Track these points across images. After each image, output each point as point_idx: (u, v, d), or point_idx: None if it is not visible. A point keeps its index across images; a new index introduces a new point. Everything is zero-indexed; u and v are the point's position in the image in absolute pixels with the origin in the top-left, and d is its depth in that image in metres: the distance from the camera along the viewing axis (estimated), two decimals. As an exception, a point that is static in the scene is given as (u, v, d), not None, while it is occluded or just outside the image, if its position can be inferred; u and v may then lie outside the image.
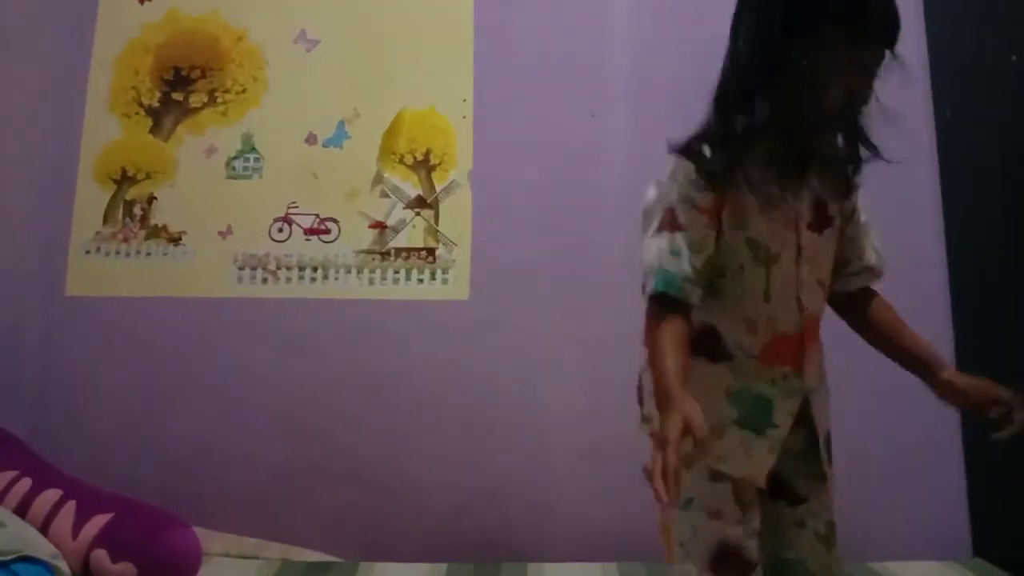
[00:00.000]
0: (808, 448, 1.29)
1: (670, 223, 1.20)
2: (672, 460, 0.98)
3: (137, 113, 2.63)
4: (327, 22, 2.66)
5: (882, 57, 1.17)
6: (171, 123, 2.62)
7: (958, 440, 2.33)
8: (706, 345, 1.24)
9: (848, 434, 2.25)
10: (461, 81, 2.59)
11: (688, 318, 1.19)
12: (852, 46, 1.13)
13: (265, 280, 2.53)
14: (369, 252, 2.53)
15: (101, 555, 1.91)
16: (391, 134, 2.59)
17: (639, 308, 1.20)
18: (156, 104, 2.63)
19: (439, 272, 2.51)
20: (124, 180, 2.59)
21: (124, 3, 2.68)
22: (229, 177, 2.58)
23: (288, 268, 2.53)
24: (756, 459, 1.23)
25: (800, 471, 1.30)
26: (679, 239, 1.19)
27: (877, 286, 1.38)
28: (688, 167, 1.21)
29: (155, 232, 2.56)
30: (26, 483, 2.05)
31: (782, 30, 1.15)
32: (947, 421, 2.30)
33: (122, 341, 2.51)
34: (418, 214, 2.54)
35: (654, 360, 1.14)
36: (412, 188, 2.56)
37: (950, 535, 2.27)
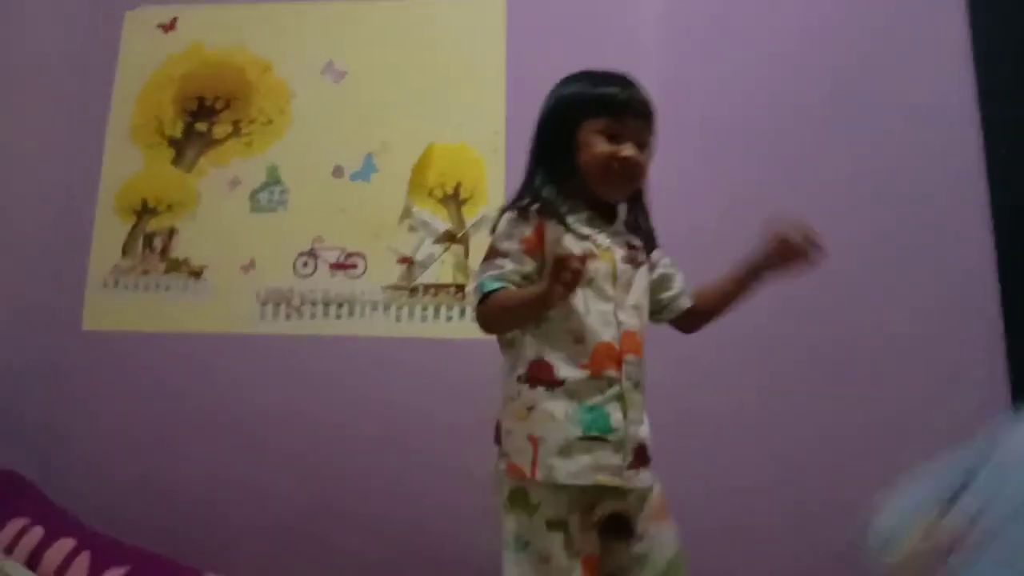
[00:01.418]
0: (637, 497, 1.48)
1: (492, 254, 1.51)
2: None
3: (159, 144, 2.56)
4: (355, 53, 2.60)
5: (650, 134, 1.58)
6: (194, 154, 2.55)
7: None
8: (542, 378, 1.46)
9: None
10: (492, 114, 2.52)
11: None
12: (618, 126, 1.53)
13: (289, 316, 2.44)
14: (397, 288, 2.45)
15: (116, 609, 1.82)
16: (420, 168, 2.51)
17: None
18: (179, 135, 2.57)
19: (468, 309, 2.41)
20: (145, 212, 2.52)
21: (148, 33, 2.63)
22: (253, 210, 2.51)
23: (313, 304, 2.45)
24: (605, 464, 1.43)
25: (639, 511, 1.48)
26: (499, 261, 1.49)
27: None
28: (509, 214, 1.53)
29: (175, 265, 2.48)
30: (38, 532, 1.95)
31: (553, 126, 1.60)
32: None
33: (138, 377, 2.42)
34: (447, 249, 2.46)
35: (508, 304, 1.45)
36: (441, 222, 2.48)
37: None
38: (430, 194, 2.50)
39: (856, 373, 2.26)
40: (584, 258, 1.35)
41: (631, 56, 2.53)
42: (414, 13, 2.62)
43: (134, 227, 2.51)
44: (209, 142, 2.56)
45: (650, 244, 1.64)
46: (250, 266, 2.47)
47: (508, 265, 1.47)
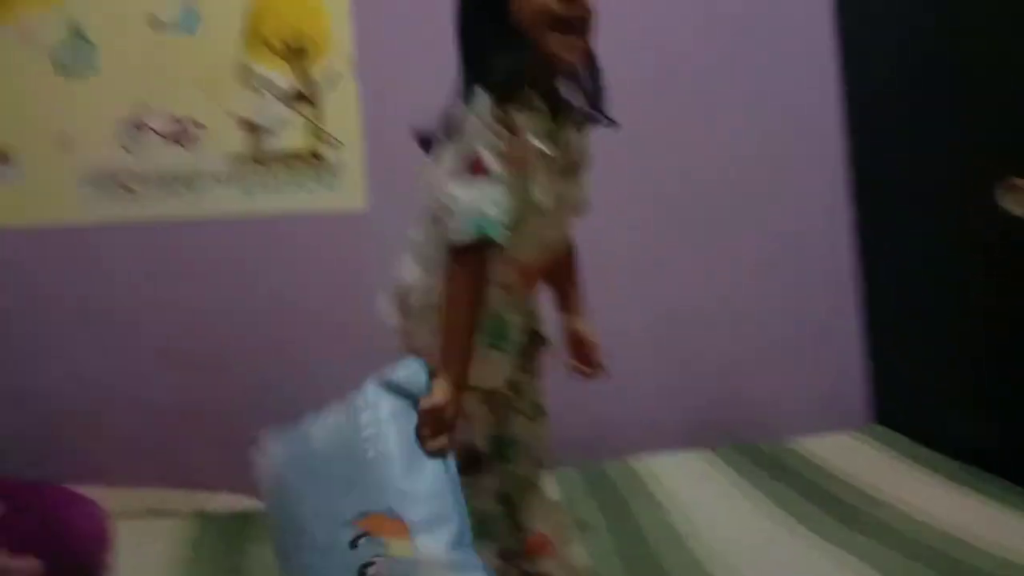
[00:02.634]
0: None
1: (479, 168, 1.18)
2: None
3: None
4: None
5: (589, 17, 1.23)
6: (-29, 8, 2.10)
7: (856, 312, 2.43)
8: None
9: (745, 310, 2.37)
10: (333, -52, 2.22)
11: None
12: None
13: (120, 200, 2.16)
14: (242, 158, 2.21)
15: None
16: (255, 17, 2.20)
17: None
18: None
19: (329, 177, 2.24)
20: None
21: None
22: (58, 75, 2.13)
23: (146, 182, 2.17)
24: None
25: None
26: (490, 187, 1.17)
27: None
28: (493, 107, 1.20)
29: (-28, 147, 2.10)
30: None
31: None
32: (845, 296, 2.41)
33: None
34: (296, 110, 2.23)
35: (456, 309, 1.20)
36: (285, 80, 2.23)
37: (850, 406, 2.41)
38: (269, 46, 2.22)
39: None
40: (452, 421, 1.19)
41: None
42: None
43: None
44: (-12, -8, 2.11)
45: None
46: (65, 143, 2.13)
47: (498, 197, 1.17)
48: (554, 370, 1.47)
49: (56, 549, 1.70)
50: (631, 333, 2.25)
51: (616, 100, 1.32)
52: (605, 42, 1.28)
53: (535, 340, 1.46)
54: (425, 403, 1.18)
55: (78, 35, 2.14)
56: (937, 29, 2.06)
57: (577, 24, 1.22)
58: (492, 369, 1.35)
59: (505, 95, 1.20)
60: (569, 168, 1.31)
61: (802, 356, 2.40)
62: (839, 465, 2.08)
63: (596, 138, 1.35)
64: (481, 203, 1.16)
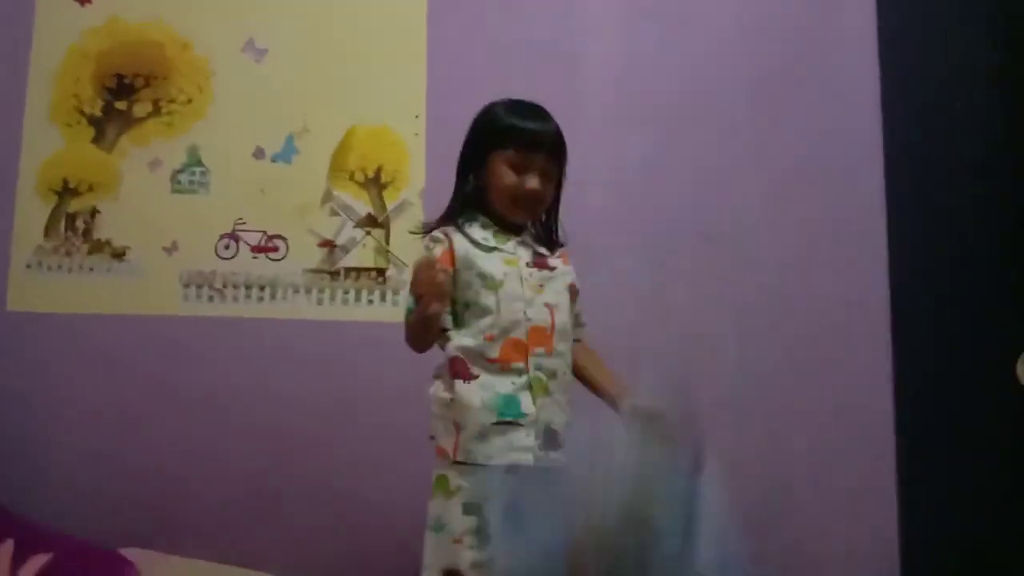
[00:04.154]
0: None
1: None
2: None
3: (79, 122, 2.55)
4: (276, 31, 2.58)
5: (557, 166, 1.75)
6: (114, 133, 2.54)
7: (892, 475, 2.38)
8: (460, 372, 1.64)
9: (782, 470, 2.36)
10: (413, 97, 2.54)
11: None
12: (524, 159, 1.70)
13: (211, 298, 2.49)
14: (318, 271, 2.50)
15: (38, 597, 1.92)
16: (342, 150, 2.54)
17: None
18: (98, 113, 2.55)
19: (389, 294, 2.49)
20: (66, 192, 2.52)
21: (63, 7, 2.58)
22: (175, 191, 2.53)
23: (235, 287, 2.50)
24: (518, 445, 1.60)
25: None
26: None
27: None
28: (425, 240, 1.75)
29: (98, 247, 2.50)
30: (-39, 520, 2.03)
31: (471, 152, 1.79)
32: (883, 458, 2.36)
33: (66, 359, 2.46)
34: (368, 233, 2.51)
35: (409, 322, 1.66)
36: (363, 206, 2.53)
37: (881, 568, 2.32)
38: (351, 177, 2.54)
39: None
40: (433, 262, 1.59)
41: (556, 40, 2.58)
42: (336, -10, 2.61)
43: (56, 208, 2.51)
44: (129, 121, 2.55)
45: (552, 247, 1.81)
46: (173, 248, 2.50)
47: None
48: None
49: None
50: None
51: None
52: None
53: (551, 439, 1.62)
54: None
55: (195, 160, 2.54)
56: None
57: (528, 201, 1.73)
58: (505, 444, 1.59)
59: (450, 214, 1.77)
60: (540, 264, 1.74)
61: (834, 513, 2.36)
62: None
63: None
64: (408, 302, 1.67)
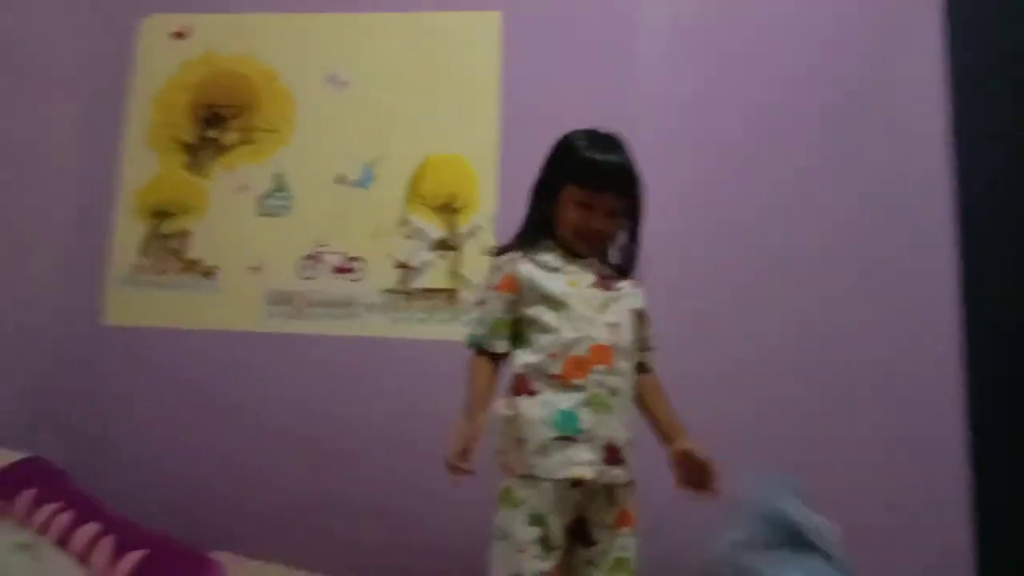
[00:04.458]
0: (607, 499, 1.71)
1: (478, 301, 1.85)
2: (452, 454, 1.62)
3: (175, 149, 2.74)
4: (357, 64, 2.75)
5: (624, 203, 1.80)
6: (206, 159, 2.73)
7: (964, 501, 2.40)
8: (522, 388, 1.72)
9: (851, 498, 2.39)
10: (487, 127, 2.67)
11: (493, 358, 1.78)
12: (592, 197, 1.76)
13: (293, 316, 2.64)
14: (394, 292, 2.64)
15: (135, 590, 2.05)
16: (417, 178, 2.68)
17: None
18: (193, 141, 2.74)
19: (460, 313, 2.61)
20: (160, 214, 2.71)
21: (163, 41, 2.78)
22: (260, 214, 2.69)
23: (316, 305, 2.64)
24: (577, 459, 1.66)
25: (597, 520, 1.72)
26: (479, 308, 1.83)
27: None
28: (491, 262, 1.87)
29: (190, 265, 2.68)
30: (68, 516, 2.18)
31: (544, 180, 1.86)
32: (956, 482, 2.39)
33: (156, 369, 2.63)
34: (441, 256, 2.64)
35: (468, 384, 1.75)
36: (436, 230, 2.66)
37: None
38: (425, 203, 2.67)
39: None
40: (460, 458, 1.63)
41: (625, 70, 2.68)
42: (414, 26, 2.76)
43: (151, 228, 2.70)
44: (219, 148, 2.73)
45: (622, 272, 1.87)
46: (258, 267, 2.66)
47: (486, 312, 1.80)
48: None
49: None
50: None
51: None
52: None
53: (613, 455, 1.68)
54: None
55: (280, 185, 2.70)
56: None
57: (593, 238, 1.81)
58: (564, 459, 1.66)
59: (521, 237, 1.87)
60: (604, 286, 1.81)
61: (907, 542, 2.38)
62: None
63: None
64: (471, 327, 1.82)
